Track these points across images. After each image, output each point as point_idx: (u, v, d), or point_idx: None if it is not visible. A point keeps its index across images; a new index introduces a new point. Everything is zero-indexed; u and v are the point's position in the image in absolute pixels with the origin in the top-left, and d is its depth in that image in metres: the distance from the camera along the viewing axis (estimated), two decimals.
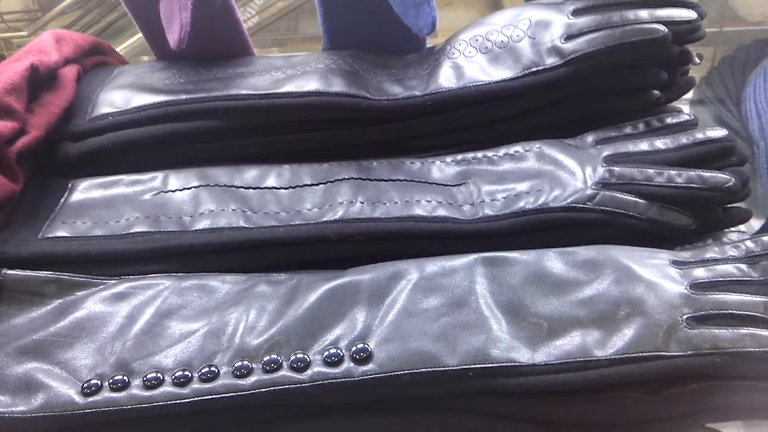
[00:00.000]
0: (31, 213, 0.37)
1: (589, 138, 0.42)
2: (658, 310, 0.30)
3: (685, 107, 0.54)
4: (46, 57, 0.43)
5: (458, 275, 0.32)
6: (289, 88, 0.42)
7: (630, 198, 0.37)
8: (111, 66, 0.50)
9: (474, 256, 0.33)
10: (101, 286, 0.32)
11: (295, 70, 0.44)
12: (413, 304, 0.31)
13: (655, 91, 0.43)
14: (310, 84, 0.42)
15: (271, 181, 0.40)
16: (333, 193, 0.38)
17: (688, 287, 0.31)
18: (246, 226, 0.36)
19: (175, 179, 0.40)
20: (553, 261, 0.33)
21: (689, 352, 0.29)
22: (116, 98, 0.44)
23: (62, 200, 0.38)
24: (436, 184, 0.39)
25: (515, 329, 0.30)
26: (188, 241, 0.35)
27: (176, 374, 0.28)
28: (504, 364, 0.28)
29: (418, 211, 0.37)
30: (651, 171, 0.38)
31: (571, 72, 0.42)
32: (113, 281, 0.33)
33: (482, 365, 0.28)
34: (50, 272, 0.33)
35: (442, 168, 0.41)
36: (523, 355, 0.29)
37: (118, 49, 0.55)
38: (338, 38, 0.48)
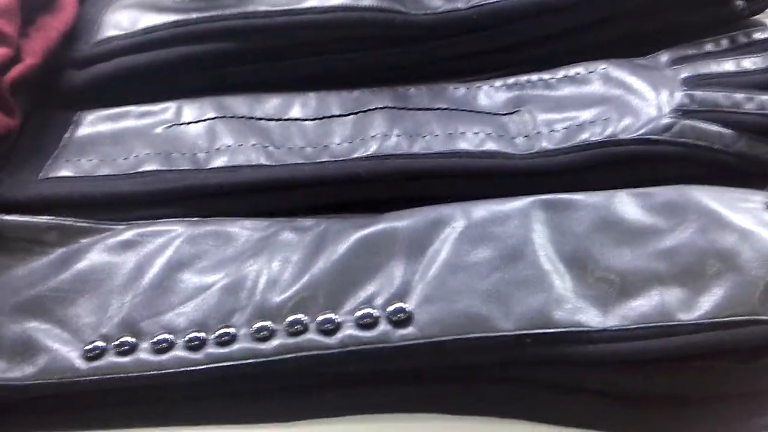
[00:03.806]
0: (31, 151, 0.34)
1: (664, 57, 0.36)
2: (753, 265, 0.25)
3: None
4: None
5: (512, 222, 0.27)
6: (313, 2, 0.37)
7: (714, 128, 0.32)
8: None
9: (530, 198, 0.28)
10: (107, 233, 0.29)
11: None
12: (459, 257, 0.26)
13: (739, 1, 0.37)
14: None
15: (295, 112, 0.35)
16: (365, 125, 0.34)
17: None
18: (267, 163, 0.32)
19: (189, 110, 0.36)
20: (626, 204, 0.28)
21: None
22: (122, 19, 0.39)
23: (66, 135, 0.35)
24: (484, 113, 0.34)
25: (582, 287, 0.25)
26: (202, 181, 0.31)
27: (189, 336, 0.25)
28: (570, 329, 0.24)
29: (463, 145, 0.32)
30: (739, 96, 0.33)
31: None
32: (120, 227, 0.29)
33: (543, 330, 0.24)
34: (51, 217, 0.29)
35: (491, 94, 0.36)
36: (592, 318, 0.24)
37: None
38: None
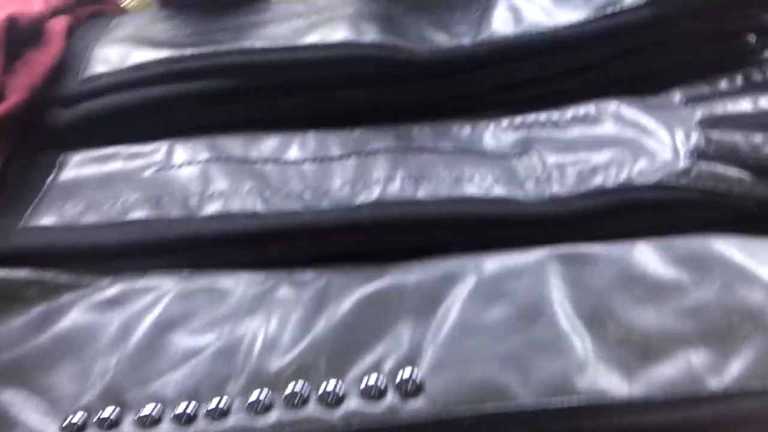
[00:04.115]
0: (13, 196, 0.32)
1: (677, 96, 0.35)
2: None
3: None
4: (28, 7, 0.37)
5: (527, 276, 0.26)
6: (313, 38, 0.35)
7: (733, 172, 0.30)
8: (109, 17, 0.44)
9: (545, 251, 0.27)
10: (91, 288, 0.27)
11: (319, 17, 0.37)
12: (472, 316, 0.24)
13: (751, 37, 0.36)
14: (338, 33, 0.35)
15: (293, 153, 0.33)
16: (367, 168, 0.32)
17: None
18: (263, 210, 0.30)
19: (181, 151, 0.34)
20: (647, 256, 0.26)
21: None
22: (112, 54, 0.38)
23: (50, 179, 0.33)
24: (491, 154, 0.33)
25: (603, 349, 0.23)
26: (195, 231, 0.29)
27: (178, 409, 0.23)
28: (593, 400, 0.22)
29: (471, 190, 0.30)
30: (759, 138, 0.31)
31: (655, 14, 0.34)
32: (105, 281, 0.27)
33: (565, 400, 0.22)
34: (32, 270, 0.27)
35: (497, 134, 0.34)
36: (616, 385, 0.22)
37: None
38: None
